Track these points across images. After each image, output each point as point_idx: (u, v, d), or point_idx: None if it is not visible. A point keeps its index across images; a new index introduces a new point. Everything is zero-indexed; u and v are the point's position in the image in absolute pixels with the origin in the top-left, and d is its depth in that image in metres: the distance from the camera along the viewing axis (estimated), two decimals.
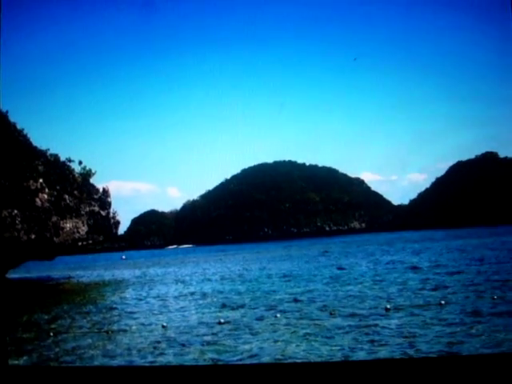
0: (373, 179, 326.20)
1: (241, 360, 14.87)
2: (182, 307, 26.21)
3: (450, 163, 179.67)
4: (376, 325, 18.32)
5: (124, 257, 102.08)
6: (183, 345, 17.29)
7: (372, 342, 16.14)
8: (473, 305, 20.91)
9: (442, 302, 21.50)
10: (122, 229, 66.96)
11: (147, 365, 14.42)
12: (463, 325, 17.50)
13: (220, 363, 14.60)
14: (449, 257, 46.36)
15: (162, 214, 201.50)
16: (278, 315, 21.46)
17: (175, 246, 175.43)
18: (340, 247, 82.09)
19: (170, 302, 29.03)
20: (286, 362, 14.41)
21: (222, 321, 20.68)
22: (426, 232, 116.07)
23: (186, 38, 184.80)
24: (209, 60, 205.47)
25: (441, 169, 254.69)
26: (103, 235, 52.54)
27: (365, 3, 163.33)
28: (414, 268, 37.49)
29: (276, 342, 17.00)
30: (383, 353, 14.80)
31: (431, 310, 20.43)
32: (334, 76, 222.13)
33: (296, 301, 25.34)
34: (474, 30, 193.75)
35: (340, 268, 41.94)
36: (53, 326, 22.31)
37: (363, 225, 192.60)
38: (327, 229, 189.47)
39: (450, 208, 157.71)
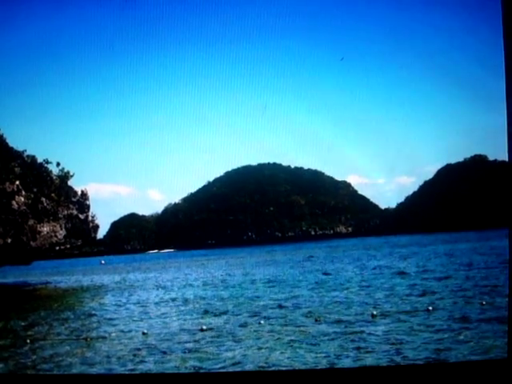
0: (360, 182, 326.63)
1: (224, 368, 14.44)
2: (162, 313, 25.64)
3: (439, 166, 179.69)
4: (362, 331, 17.99)
5: (103, 261, 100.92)
6: (164, 352, 16.77)
7: (358, 348, 15.82)
8: (461, 311, 20.68)
9: (430, 308, 21.22)
10: (101, 233, 66.04)
11: (127, 373, 13.94)
12: (451, 331, 17.22)
13: (202, 371, 14.13)
14: (437, 262, 46.37)
15: (143, 217, 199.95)
16: (262, 322, 21.02)
17: (156, 251, 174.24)
18: (326, 252, 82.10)
19: (151, 308, 28.44)
20: (269, 369, 13.97)
21: (205, 327, 20.19)
22: (413, 236, 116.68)
23: (167, 37, 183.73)
24: (190, 60, 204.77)
25: (429, 172, 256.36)
26: (82, 239, 51.64)
27: (353, 1, 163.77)
28: (401, 273, 37.32)
29: (260, 349, 16.55)
30: (369, 360, 14.45)
31: (419, 316, 20.16)
32: (320, 76, 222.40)
33: (280, 307, 24.92)
34: (465, 30, 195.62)
35: (325, 273, 41.64)
36: (29, 333, 21.84)
37: (349, 229, 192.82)
38: (312, 233, 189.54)
39: (439, 212, 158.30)
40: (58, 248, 48.71)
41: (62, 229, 46.99)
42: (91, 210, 52.52)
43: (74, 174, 51.75)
